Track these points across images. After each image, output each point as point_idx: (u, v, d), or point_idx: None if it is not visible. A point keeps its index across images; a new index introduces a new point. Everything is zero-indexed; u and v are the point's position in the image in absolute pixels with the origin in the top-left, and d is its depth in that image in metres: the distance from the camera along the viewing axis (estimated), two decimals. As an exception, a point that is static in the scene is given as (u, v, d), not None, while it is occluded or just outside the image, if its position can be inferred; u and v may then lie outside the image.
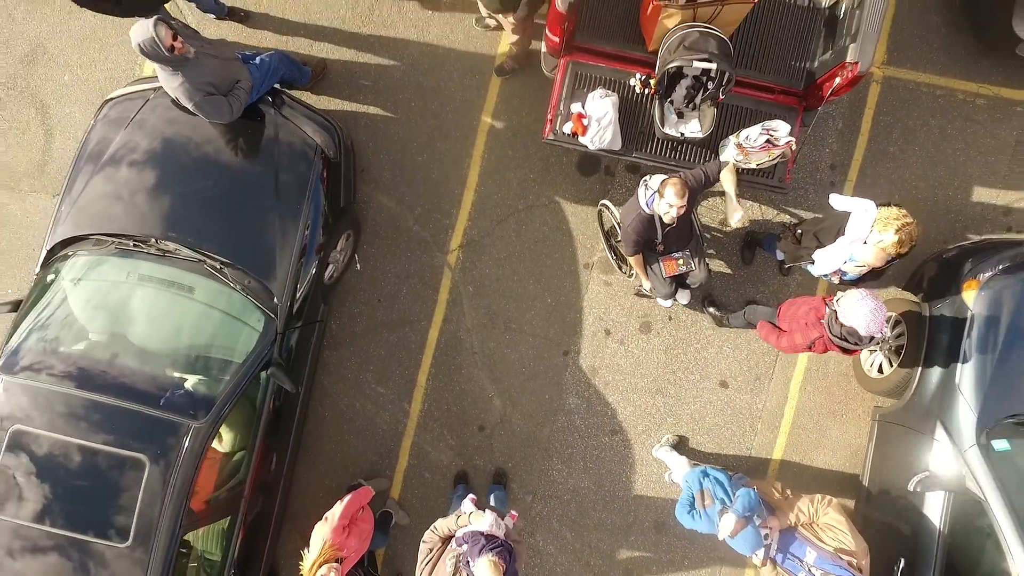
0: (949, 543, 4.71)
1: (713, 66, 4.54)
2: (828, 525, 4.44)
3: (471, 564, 3.97)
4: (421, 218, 5.92)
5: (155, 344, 4.68)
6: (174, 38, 4.23)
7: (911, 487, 4.81)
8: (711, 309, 5.80)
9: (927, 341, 5.07)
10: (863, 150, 5.90)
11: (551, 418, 5.90)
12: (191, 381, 4.64)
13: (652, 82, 4.90)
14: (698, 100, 4.86)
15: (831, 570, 4.24)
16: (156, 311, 4.77)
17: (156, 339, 4.70)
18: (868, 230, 4.28)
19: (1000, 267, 4.90)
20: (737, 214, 4.56)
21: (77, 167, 5.04)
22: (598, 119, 4.99)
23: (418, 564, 4.27)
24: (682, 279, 5.26)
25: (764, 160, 4.97)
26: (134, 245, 4.83)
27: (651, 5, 4.66)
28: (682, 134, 4.98)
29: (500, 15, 4.93)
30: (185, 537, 4.59)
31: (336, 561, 4.26)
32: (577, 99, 5.13)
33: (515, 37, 5.30)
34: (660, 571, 5.88)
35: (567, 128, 5.13)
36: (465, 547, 4.07)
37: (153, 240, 4.83)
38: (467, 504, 4.40)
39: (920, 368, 5.08)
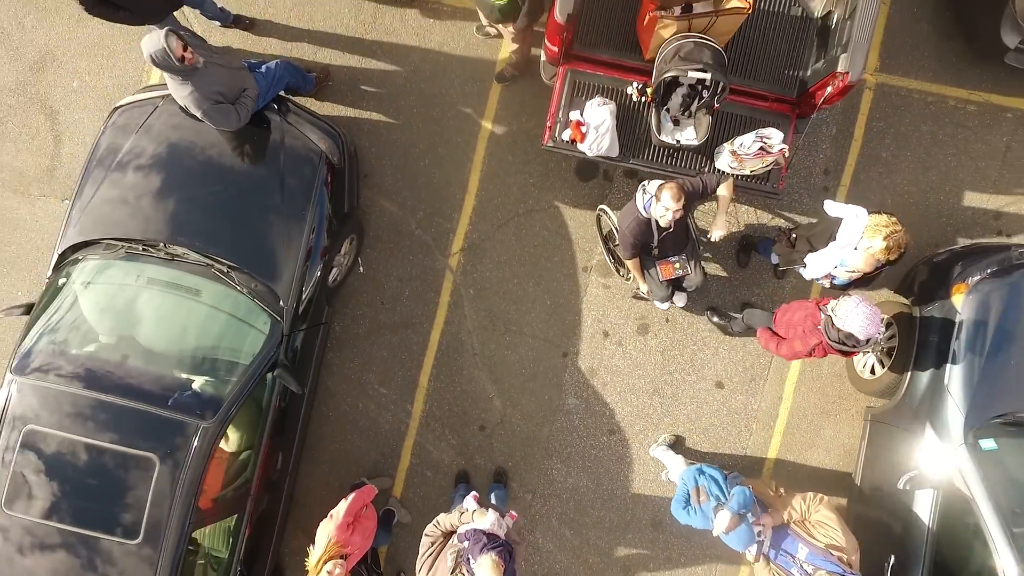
0: (938, 540, 4.81)
1: (708, 76, 4.64)
2: (820, 522, 4.53)
3: (471, 561, 4.04)
4: (423, 222, 6.02)
5: (164, 346, 4.77)
6: (184, 48, 4.33)
7: (900, 485, 4.91)
8: (715, 319, 5.90)
9: (917, 343, 5.17)
10: (856, 155, 6.01)
11: (550, 418, 6.00)
12: (199, 382, 4.72)
13: (649, 90, 5.01)
14: (694, 108, 4.96)
15: (822, 566, 4.33)
16: (164, 314, 4.86)
17: (165, 341, 4.79)
18: (859, 236, 4.38)
19: (988, 271, 5.01)
20: (719, 232, 4.80)
21: (87, 173, 5.12)
22: (596, 126, 5.09)
23: (419, 556, 4.35)
24: (679, 282, 5.35)
25: (758, 167, 5.08)
26: (143, 249, 4.93)
27: (648, 16, 4.76)
28: (678, 141, 5.08)
29: (500, 25, 5.04)
30: (193, 535, 4.67)
31: (341, 557, 4.33)
32: (576, 107, 5.22)
33: (515, 45, 5.39)
34: (657, 568, 5.98)
35: (566, 135, 5.22)
36: (466, 544, 4.13)
37: (162, 244, 4.93)
38: (469, 501, 4.46)
39: (910, 369, 5.18)
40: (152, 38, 4.28)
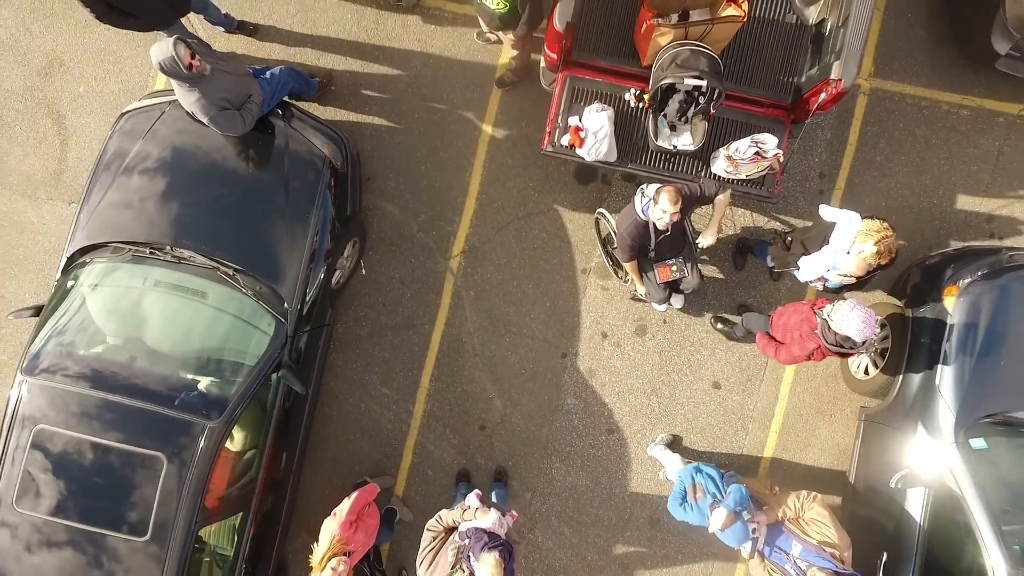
0: (929, 537, 4.90)
1: (704, 83, 4.73)
2: (813, 519, 4.60)
3: (472, 559, 4.10)
4: (424, 225, 6.11)
5: (171, 347, 4.85)
6: (192, 56, 4.41)
7: (892, 483, 5.00)
8: (719, 326, 5.98)
9: (909, 344, 5.25)
10: (851, 159, 6.09)
11: (550, 418, 6.08)
12: (205, 383, 4.80)
13: (646, 96, 5.08)
14: (690, 114, 5.02)
15: (815, 562, 4.41)
16: (171, 316, 4.93)
17: (171, 342, 4.86)
18: (851, 241, 4.47)
19: (979, 274, 5.09)
20: (707, 240, 4.95)
21: (95, 177, 5.19)
22: (594, 132, 5.16)
23: (420, 550, 4.41)
24: (676, 284, 5.42)
25: (753, 171, 5.17)
26: (150, 252, 4.99)
27: (645, 24, 4.85)
28: (675, 146, 5.15)
29: (500, 32, 5.12)
30: (199, 533, 4.74)
31: (344, 554, 4.41)
32: (574, 112, 5.29)
33: (515, 52, 5.46)
34: (655, 565, 6.06)
35: (565, 141, 5.30)
36: (468, 542, 4.19)
37: (168, 247, 4.99)
38: (472, 499, 4.49)
39: (903, 370, 5.27)
40: (161, 46, 4.36)
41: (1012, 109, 6.07)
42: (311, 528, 5.26)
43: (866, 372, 5.73)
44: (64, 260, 5.17)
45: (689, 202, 4.80)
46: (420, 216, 6.10)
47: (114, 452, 4.60)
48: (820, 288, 4.90)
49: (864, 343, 4.28)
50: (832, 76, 4.67)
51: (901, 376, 5.29)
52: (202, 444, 4.63)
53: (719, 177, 5.32)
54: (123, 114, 5.37)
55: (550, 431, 6.07)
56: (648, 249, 5.09)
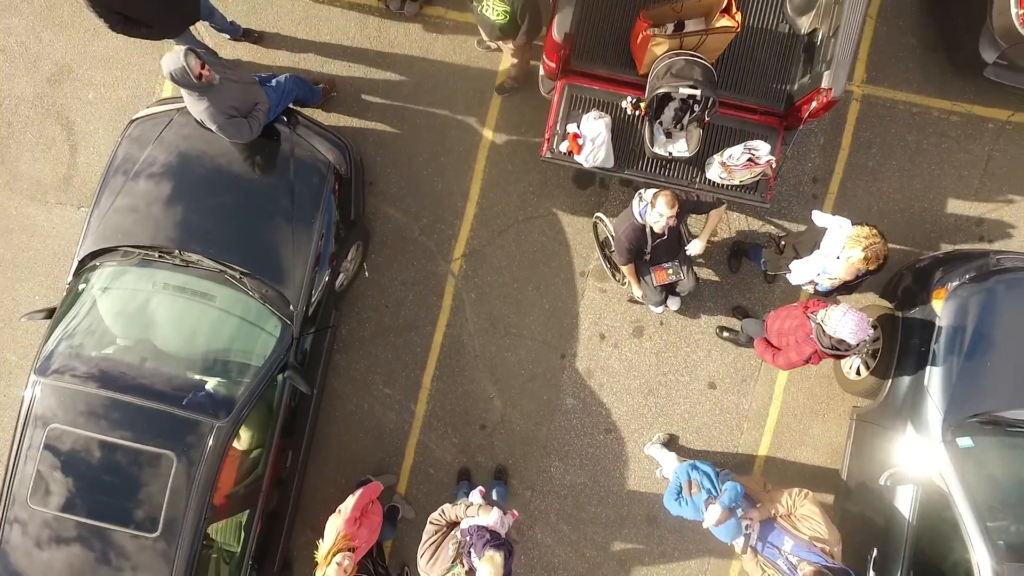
0: (918, 533, 5.01)
1: (698, 92, 4.84)
2: (804, 516, 4.71)
3: (472, 556, 4.19)
4: (426, 229, 6.21)
5: (179, 349, 4.95)
6: (202, 66, 4.52)
7: (881, 481, 5.12)
8: (724, 334, 6.08)
9: (900, 346, 5.36)
10: (843, 164, 6.19)
11: (549, 418, 6.19)
12: (213, 383, 4.90)
13: (642, 104, 5.20)
14: (685, 121, 5.12)
15: (806, 557, 4.52)
16: (179, 318, 5.04)
17: (180, 344, 4.97)
18: (840, 246, 4.59)
19: (967, 277, 5.19)
20: (697, 248, 5.17)
21: (105, 182, 5.29)
22: (592, 139, 5.27)
23: (422, 543, 4.50)
24: (672, 287, 5.55)
25: (747, 177, 5.28)
26: (159, 256, 5.10)
27: (641, 34, 4.97)
28: (670, 153, 5.27)
29: (500, 42, 5.23)
30: (207, 529, 4.84)
31: (348, 551, 4.49)
32: (573, 120, 5.39)
33: (515, 60, 5.58)
34: (652, 562, 6.16)
35: (563, 147, 5.40)
36: (469, 539, 4.28)
37: (176, 251, 5.09)
38: (476, 496, 4.59)
39: (893, 371, 5.38)
40: (172, 57, 4.48)
41: (1001, 115, 6.18)
42: (316, 525, 5.34)
43: (858, 373, 5.84)
44: (75, 263, 5.26)
45: (685, 208, 4.93)
46: (422, 220, 6.21)
47: (125, 451, 4.71)
48: (811, 291, 5.02)
49: (858, 344, 4.41)
50: (823, 85, 4.78)
51: (891, 377, 5.40)
52: (210, 443, 4.73)
53: (713, 183, 5.43)
54: (132, 121, 5.47)
55: (549, 430, 6.18)
56: (645, 252, 5.20)
